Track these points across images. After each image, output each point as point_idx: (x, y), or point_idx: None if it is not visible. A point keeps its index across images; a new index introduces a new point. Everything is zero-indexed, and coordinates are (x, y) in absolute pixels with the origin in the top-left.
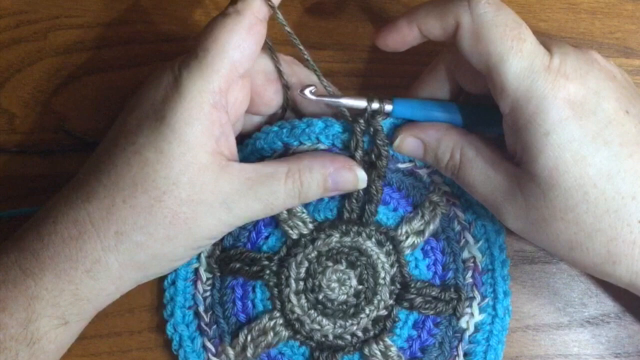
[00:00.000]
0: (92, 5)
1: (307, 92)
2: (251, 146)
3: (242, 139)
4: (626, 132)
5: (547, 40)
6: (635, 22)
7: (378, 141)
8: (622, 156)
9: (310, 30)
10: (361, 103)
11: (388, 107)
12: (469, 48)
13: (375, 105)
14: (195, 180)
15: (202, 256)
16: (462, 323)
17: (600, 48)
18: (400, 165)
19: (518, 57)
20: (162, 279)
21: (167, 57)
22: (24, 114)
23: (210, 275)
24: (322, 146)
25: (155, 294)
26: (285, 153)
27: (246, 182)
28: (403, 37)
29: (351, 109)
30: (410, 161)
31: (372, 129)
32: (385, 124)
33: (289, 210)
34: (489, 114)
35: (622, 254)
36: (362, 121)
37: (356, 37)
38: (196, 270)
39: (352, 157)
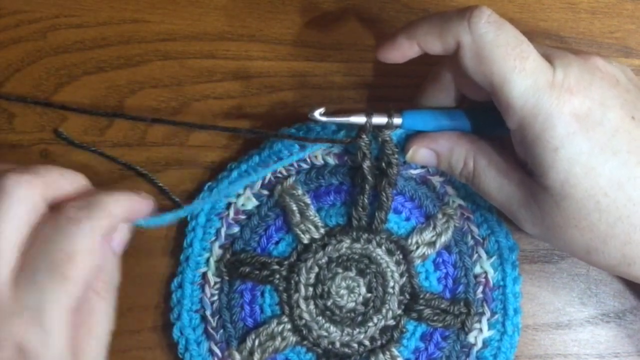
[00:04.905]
0: (92, 5)
1: (316, 113)
2: (268, 149)
3: (247, 148)
4: (633, 138)
5: (549, 51)
6: (635, 22)
7: (387, 151)
8: (631, 163)
9: (313, 44)
10: (369, 119)
11: (397, 120)
12: (472, 68)
13: (383, 120)
14: None
15: (211, 260)
16: (470, 338)
17: (600, 48)
18: (413, 172)
19: (522, 75)
20: (166, 279)
21: (166, 56)
22: (24, 114)
23: (218, 279)
24: (335, 150)
25: (156, 294)
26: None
27: None
28: (403, 52)
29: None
30: (422, 167)
31: (380, 140)
32: (395, 133)
33: (302, 214)
34: (496, 116)
35: (636, 256)
36: (364, 136)
37: (359, 43)
38: (204, 274)
39: (360, 167)
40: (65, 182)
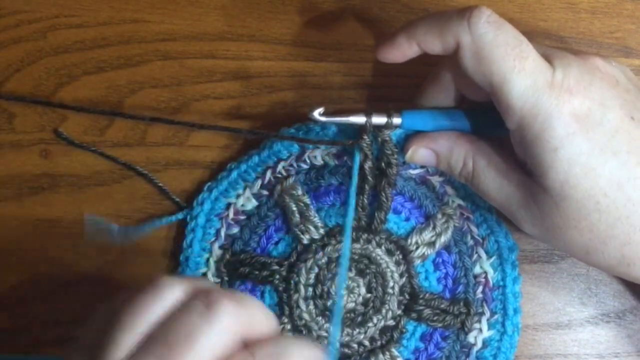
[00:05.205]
0: (91, 4)
1: (315, 113)
2: (268, 149)
3: (247, 148)
4: (633, 139)
5: (548, 51)
6: (635, 22)
7: (387, 151)
8: (631, 164)
9: (313, 44)
10: (369, 119)
11: (397, 120)
12: (471, 68)
13: (382, 120)
14: None
15: (211, 261)
16: (470, 338)
17: (600, 48)
18: (412, 172)
19: (521, 75)
20: None
21: (166, 56)
22: (24, 114)
23: (218, 280)
24: (334, 150)
25: None
26: (302, 155)
27: None
28: (402, 52)
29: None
30: (421, 167)
31: (379, 140)
32: (395, 133)
33: (302, 214)
34: (496, 117)
35: (635, 257)
36: (366, 137)
37: (359, 43)
38: (204, 275)
39: (361, 168)
40: (262, 321)
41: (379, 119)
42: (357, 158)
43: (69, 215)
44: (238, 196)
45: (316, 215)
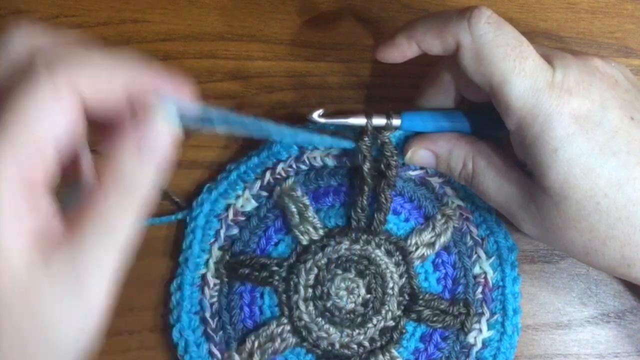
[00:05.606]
0: (91, 4)
1: (315, 115)
2: (267, 150)
3: (247, 149)
4: (633, 139)
5: (548, 51)
6: (634, 22)
7: (386, 152)
8: (631, 164)
9: (313, 44)
10: (369, 121)
11: (396, 122)
12: (471, 68)
13: (382, 122)
14: None
15: (211, 262)
16: (470, 338)
17: (599, 48)
18: (412, 173)
19: (521, 76)
20: (166, 281)
21: (167, 56)
22: None
23: (217, 281)
24: (334, 151)
25: (156, 294)
26: (301, 156)
27: None
28: (402, 52)
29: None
30: (421, 168)
31: (379, 142)
32: (394, 134)
33: (301, 215)
34: (495, 118)
35: (635, 258)
36: (366, 139)
37: (358, 43)
38: (203, 276)
39: (359, 169)
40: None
41: (378, 121)
42: (352, 145)
43: None
44: (237, 197)
45: (315, 216)
